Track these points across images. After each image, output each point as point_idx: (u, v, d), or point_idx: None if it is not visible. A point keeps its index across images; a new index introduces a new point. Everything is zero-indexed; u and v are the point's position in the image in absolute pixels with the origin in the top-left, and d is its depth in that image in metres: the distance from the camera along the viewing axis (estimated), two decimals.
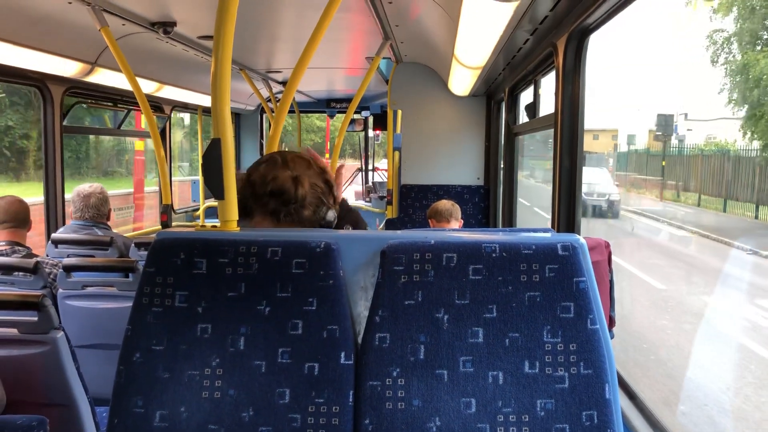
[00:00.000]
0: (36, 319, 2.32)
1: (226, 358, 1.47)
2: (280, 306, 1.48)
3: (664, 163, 23.48)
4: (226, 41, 1.64)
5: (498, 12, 2.45)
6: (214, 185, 1.62)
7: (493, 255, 1.47)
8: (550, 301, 1.45)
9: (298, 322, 1.48)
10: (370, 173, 10.18)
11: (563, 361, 1.44)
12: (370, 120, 9.43)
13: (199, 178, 7.97)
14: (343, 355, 1.46)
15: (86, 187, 4.19)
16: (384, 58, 5.22)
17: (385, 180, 9.45)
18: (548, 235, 1.56)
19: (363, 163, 10.22)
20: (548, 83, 3.42)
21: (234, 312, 1.48)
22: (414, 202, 5.89)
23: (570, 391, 1.43)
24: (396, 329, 1.46)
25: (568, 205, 2.65)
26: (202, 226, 1.85)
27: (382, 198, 8.42)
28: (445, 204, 4.50)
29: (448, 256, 1.48)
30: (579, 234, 2.61)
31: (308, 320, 1.48)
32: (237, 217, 1.65)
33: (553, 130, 2.83)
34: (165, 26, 3.87)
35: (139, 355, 1.48)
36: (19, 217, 3.42)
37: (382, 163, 11.08)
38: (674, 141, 25.49)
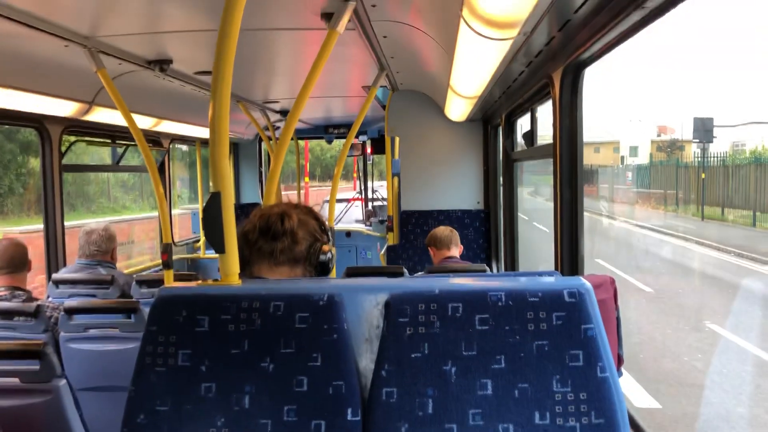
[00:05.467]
0: (38, 367, 2.31)
1: (232, 418, 1.45)
2: (285, 362, 1.46)
3: (703, 175, 20.92)
4: (223, 94, 1.64)
5: (493, 47, 2.46)
6: (214, 239, 1.61)
7: (499, 304, 1.46)
8: (559, 349, 1.44)
9: (303, 379, 1.46)
10: (367, 203, 10.15)
11: (574, 411, 1.42)
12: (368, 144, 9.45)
13: (199, 208, 7.95)
14: (349, 411, 1.44)
15: (93, 225, 4.20)
16: (380, 86, 5.24)
17: (384, 204, 9.47)
18: (553, 279, 1.54)
19: (362, 187, 10.23)
20: (546, 109, 3.44)
21: (238, 370, 1.47)
22: (415, 228, 5.88)
23: None
24: (403, 383, 1.44)
25: (570, 241, 2.64)
26: (204, 280, 1.87)
27: (382, 222, 8.41)
28: (443, 231, 4.49)
29: (454, 305, 1.46)
30: (583, 271, 2.60)
31: (313, 376, 1.46)
32: (238, 271, 1.64)
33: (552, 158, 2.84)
34: (161, 64, 3.89)
35: (144, 416, 1.46)
36: (14, 262, 3.40)
37: (379, 187, 11.05)
38: (694, 149, 23.30)
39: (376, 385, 1.45)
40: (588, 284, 1.49)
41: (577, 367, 1.43)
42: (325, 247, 1.93)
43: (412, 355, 1.45)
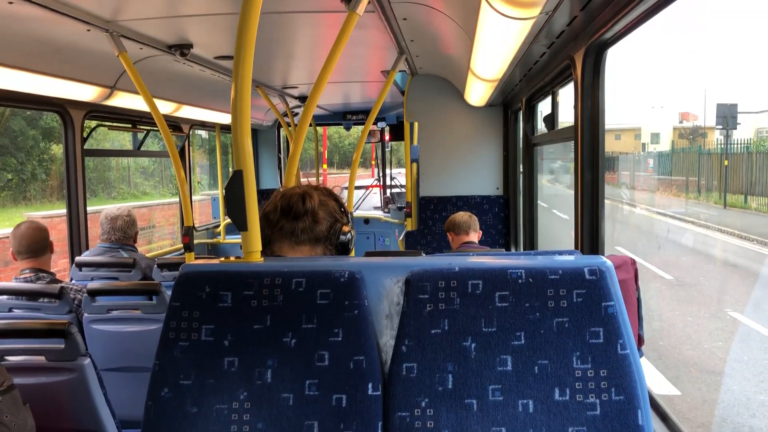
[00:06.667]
0: (63, 346, 2.35)
1: (254, 391, 1.47)
2: (306, 337, 1.48)
3: (726, 162, 20.67)
4: (245, 75, 1.64)
5: (514, 28, 2.44)
6: (236, 217, 1.62)
7: (519, 281, 1.46)
8: (579, 326, 1.43)
9: (325, 354, 1.47)
10: (385, 190, 10.15)
11: (594, 388, 1.42)
12: (386, 131, 9.43)
13: (219, 193, 8.01)
14: (370, 386, 1.46)
15: (114, 209, 4.25)
16: (399, 71, 5.22)
17: (402, 191, 9.46)
18: (573, 258, 1.54)
19: (381, 174, 10.23)
20: (567, 93, 3.41)
21: (260, 344, 1.48)
22: (433, 214, 5.88)
23: (602, 418, 1.41)
24: (423, 359, 1.45)
25: (591, 222, 2.63)
26: (226, 258, 1.88)
27: (400, 209, 8.41)
28: (462, 216, 4.48)
29: (474, 283, 1.47)
30: (604, 252, 2.59)
31: (334, 351, 1.47)
32: (260, 248, 1.66)
33: (573, 141, 2.82)
34: (182, 48, 3.91)
35: (167, 390, 1.48)
36: (34, 246, 3.43)
37: (397, 174, 11.03)
38: (717, 136, 23.17)
39: (397, 360, 1.46)
40: (609, 262, 1.49)
41: (597, 344, 1.43)
42: (345, 228, 1.95)
43: (432, 331, 1.46)
